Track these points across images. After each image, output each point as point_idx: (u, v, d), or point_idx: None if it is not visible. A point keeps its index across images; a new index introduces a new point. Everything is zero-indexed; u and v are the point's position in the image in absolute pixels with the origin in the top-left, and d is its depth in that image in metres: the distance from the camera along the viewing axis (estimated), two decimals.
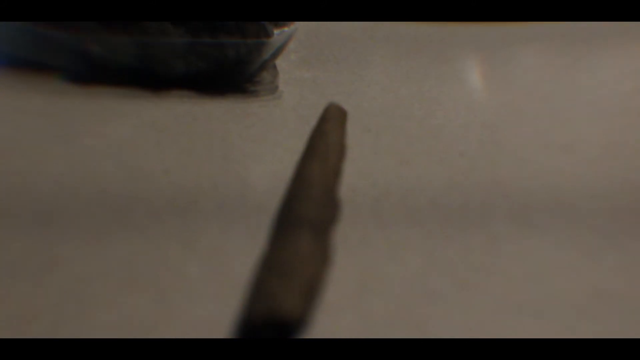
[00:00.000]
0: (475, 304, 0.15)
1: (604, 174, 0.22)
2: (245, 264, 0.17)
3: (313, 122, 0.26)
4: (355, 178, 0.22)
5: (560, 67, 0.36)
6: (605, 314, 0.15)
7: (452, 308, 0.15)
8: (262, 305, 0.14)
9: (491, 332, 0.15)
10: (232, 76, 0.29)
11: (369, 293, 0.16)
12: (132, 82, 0.29)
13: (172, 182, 0.21)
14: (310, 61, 0.35)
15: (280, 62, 0.34)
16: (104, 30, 0.27)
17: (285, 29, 0.29)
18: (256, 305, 0.14)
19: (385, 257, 0.17)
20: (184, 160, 0.22)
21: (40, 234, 0.18)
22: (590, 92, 0.31)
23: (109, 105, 0.27)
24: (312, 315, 0.15)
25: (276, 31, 0.28)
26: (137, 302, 0.15)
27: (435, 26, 0.44)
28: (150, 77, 0.29)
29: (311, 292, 0.14)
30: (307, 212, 0.17)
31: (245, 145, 0.24)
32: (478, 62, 0.36)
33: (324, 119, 0.24)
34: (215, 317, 0.15)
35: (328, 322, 0.15)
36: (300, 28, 0.43)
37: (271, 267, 0.15)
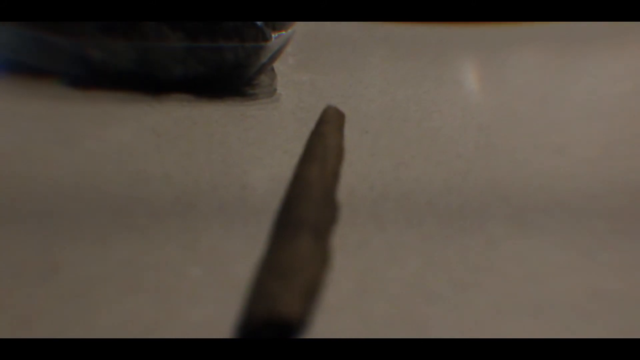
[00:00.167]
0: (474, 304, 0.16)
1: (600, 175, 0.23)
2: (246, 266, 0.17)
3: (311, 124, 0.26)
4: (353, 180, 0.22)
5: (556, 68, 0.36)
6: (603, 313, 0.15)
7: (450, 308, 0.15)
8: (263, 305, 0.14)
9: (490, 332, 0.15)
10: (230, 80, 0.29)
11: (368, 294, 0.16)
12: (132, 87, 0.29)
13: (172, 185, 0.21)
14: (308, 64, 0.35)
15: (278, 66, 0.34)
16: (103, 35, 0.27)
17: (283, 32, 0.29)
18: (256, 305, 0.14)
19: (384, 258, 0.17)
20: (184, 163, 0.22)
21: (42, 237, 0.18)
22: (585, 94, 0.31)
23: (109, 110, 0.27)
24: (312, 316, 0.15)
25: (274, 35, 0.29)
26: (138, 303, 0.15)
27: (432, 28, 0.45)
28: (149, 81, 0.29)
29: (311, 293, 0.15)
30: (306, 214, 0.17)
31: (245, 148, 0.24)
32: (474, 64, 0.36)
33: (322, 122, 0.24)
34: (216, 318, 0.15)
35: (328, 323, 0.15)
36: (298, 31, 0.43)
37: (271, 268, 0.15)
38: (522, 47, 0.40)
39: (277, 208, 0.20)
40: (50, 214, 0.19)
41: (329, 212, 0.18)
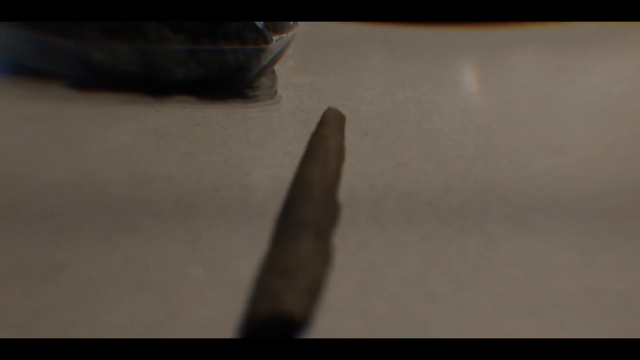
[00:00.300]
0: (474, 304, 0.16)
1: (600, 175, 0.23)
2: (247, 265, 0.17)
3: (312, 126, 0.26)
4: (354, 181, 0.22)
5: (555, 69, 0.36)
6: (603, 313, 0.16)
7: (451, 308, 0.15)
8: (265, 304, 0.14)
9: (490, 331, 0.15)
10: (231, 82, 0.29)
11: (368, 293, 0.16)
12: (134, 89, 0.29)
13: (174, 185, 0.21)
14: (308, 66, 0.35)
15: (279, 68, 0.34)
16: (105, 38, 0.27)
17: (284, 35, 0.29)
18: (259, 305, 0.14)
19: (384, 258, 0.17)
20: (186, 163, 0.22)
21: (45, 237, 0.18)
22: (585, 95, 0.31)
23: (111, 111, 0.27)
24: (314, 316, 0.15)
25: (275, 37, 0.29)
26: (140, 303, 0.15)
27: (431, 29, 0.45)
28: (151, 84, 0.29)
29: (313, 292, 0.15)
30: (308, 215, 0.17)
31: (246, 149, 0.24)
32: (474, 66, 0.36)
33: (323, 123, 0.24)
34: (218, 318, 0.15)
35: (329, 323, 0.15)
36: (298, 34, 0.43)
37: (273, 268, 0.15)
38: (522, 49, 0.40)
39: (279, 208, 0.20)
40: (53, 215, 0.19)
41: (330, 212, 0.18)
